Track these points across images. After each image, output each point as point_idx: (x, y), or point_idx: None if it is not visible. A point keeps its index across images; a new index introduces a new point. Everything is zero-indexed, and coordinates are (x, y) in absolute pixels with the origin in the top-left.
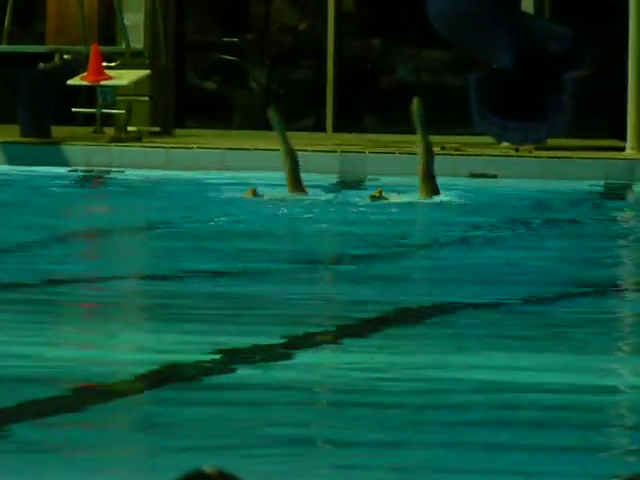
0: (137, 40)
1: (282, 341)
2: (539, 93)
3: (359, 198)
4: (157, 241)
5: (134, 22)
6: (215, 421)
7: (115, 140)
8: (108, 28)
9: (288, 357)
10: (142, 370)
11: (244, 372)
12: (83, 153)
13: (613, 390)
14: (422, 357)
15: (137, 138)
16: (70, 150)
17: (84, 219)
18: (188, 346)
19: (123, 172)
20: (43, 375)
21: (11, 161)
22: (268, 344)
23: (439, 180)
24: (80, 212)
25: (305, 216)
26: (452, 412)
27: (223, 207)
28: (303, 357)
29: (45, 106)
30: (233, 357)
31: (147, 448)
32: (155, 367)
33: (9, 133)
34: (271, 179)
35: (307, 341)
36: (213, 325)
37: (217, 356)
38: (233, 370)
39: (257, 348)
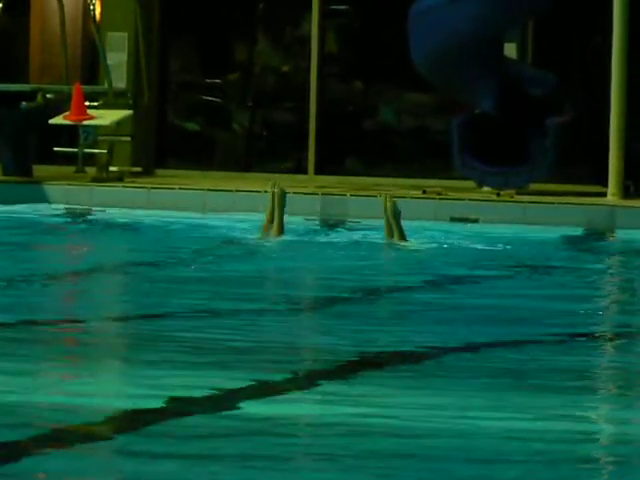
0: (120, 80)
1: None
2: (521, 138)
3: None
4: (136, 281)
5: (117, 62)
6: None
7: (97, 180)
8: (91, 67)
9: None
10: (104, 416)
11: (203, 420)
12: (64, 192)
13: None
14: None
15: (119, 178)
16: (52, 189)
17: (64, 258)
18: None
19: (104, 211)
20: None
21: None
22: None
23: (420, 224)
24: (61, 251)
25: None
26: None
27: (207, 248)
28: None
29: (27, 145)
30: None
31: None
32: (120, 413)
33: None
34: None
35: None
36: (180, 368)
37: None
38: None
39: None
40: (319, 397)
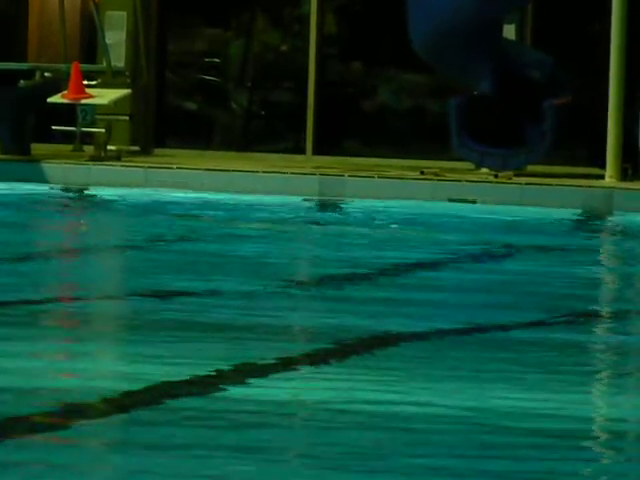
0: (118, 59)
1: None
2: (519, 119)
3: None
4: (133, 260)
5: (116, 41)
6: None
7: (95, 159)
8: (90, 46)
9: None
10: (110, 390)
11: (220, 394)
12: (62, 171)
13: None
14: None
15: (116, 157)
16: (49, 168)
17: (62, 236)
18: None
19: (102, 190)
20: (14, 390)
21: None
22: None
23: (418, 204)
24: (58, 229)
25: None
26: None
27: (199, 227)
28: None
29: (25, 123)
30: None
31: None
32: (125, 387)
33: None
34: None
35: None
36: (190, 345)
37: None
38: (206, 391)
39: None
40: (316, 378)
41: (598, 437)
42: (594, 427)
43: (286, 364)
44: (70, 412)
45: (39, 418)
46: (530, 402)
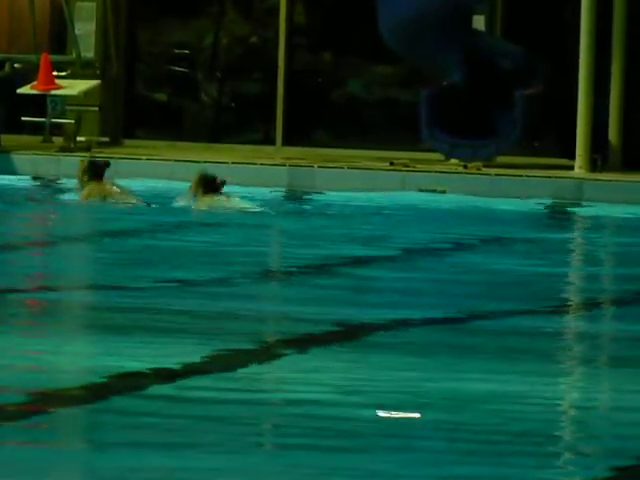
0: (88, 50)
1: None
2: (489, 110)
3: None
4: (102, 252)
5: (85, 31)
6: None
7: (64, 150)
8: (59, 37)
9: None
10: (90, 379)
11: (194, 383)
12: (32, 162)
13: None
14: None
15: (86, 148)
16: (19, 159)
17: (29, 228)
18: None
19: (72, 181)
20: None
21: None
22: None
23: (387, 195)
24: (26, 221)
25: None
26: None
27: (168, 218)
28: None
29: None
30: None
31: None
32: (104, 377)
33: None
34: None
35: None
36: (165, 336)
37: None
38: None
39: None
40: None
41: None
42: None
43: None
44: (40, 402)
45: (10, 408)
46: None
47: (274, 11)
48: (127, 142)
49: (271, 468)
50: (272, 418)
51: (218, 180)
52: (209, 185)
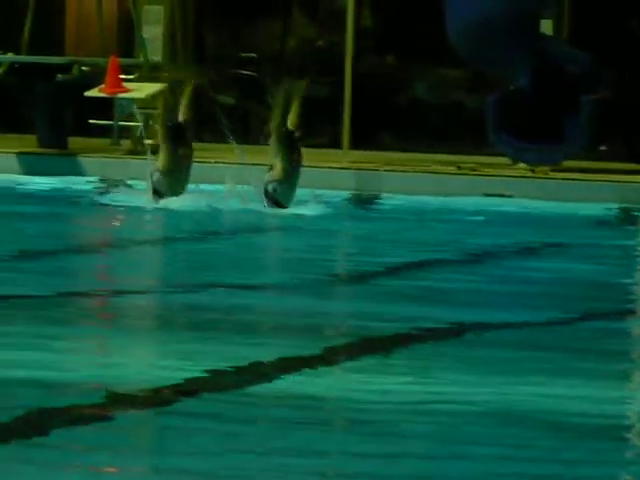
0: (156, 53)
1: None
2: (556, 115)
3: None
4: (170, 254)
5: (153, 35)
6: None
7: (132, 152)
8: (127, 40)
9: (301, 372)
10: (159, 382)
11: (255, 387)
12: (99, 165)
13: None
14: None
15: (154, 151)
16: (86, 162)
17: (101, 231)
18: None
19: (141, 184)
20: (54, 383)
21: (28, 171)
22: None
23: (454, 199)
24: (97, 223)
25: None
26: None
27: (240, 221)
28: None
29: (62, 117)
30: (247, 371)
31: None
32: (168, 380)
33: (27, 143)
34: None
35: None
36: (228, 337)
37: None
38: (245, 384)
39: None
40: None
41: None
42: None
43: (318, 359)
44: (110, 404)
45: (80, 410)
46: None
47: (341, 14)
48: (194, 145)
49: (343, 471)
50: (339, 421)
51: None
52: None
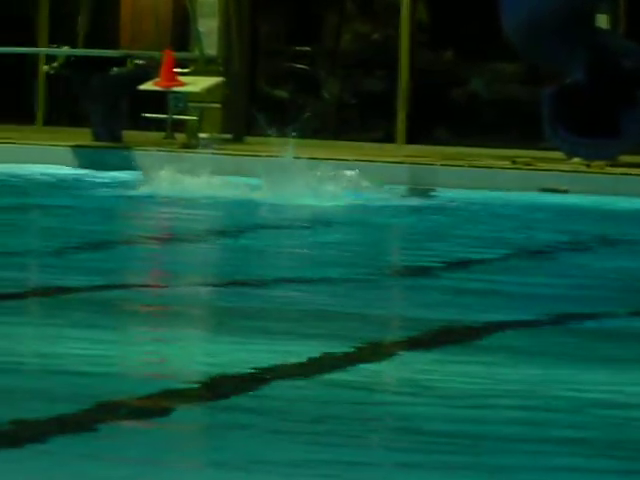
0: (211, 46)
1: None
2: (612, 109)
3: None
4: (217, 249)
5: (208, 28)
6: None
7: (186, 146)
8: (182, 34)
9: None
10: (210, 377)
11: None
12: (154, 159)
13: None
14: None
15: (208, 145)
16: (141, 155)
17: (151, 224)
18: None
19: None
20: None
21: (83, 165)
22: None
23: (508, 194)
24: (149, 217)
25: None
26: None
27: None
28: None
29: (117, 111)
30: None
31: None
32: (217, 376)
33: (81, 137)
34: None
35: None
36: (275, 334)
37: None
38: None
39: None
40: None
41: None
42: None
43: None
44: (164, 397)
45: (134, 403)
46: None
47: (396, 8)
48: (249, 139)
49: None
50: (382, 419)
51: None
52: None
